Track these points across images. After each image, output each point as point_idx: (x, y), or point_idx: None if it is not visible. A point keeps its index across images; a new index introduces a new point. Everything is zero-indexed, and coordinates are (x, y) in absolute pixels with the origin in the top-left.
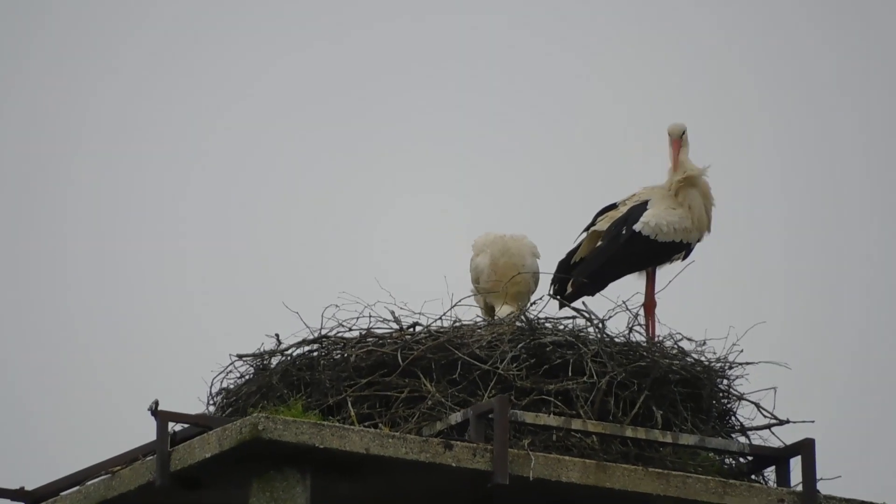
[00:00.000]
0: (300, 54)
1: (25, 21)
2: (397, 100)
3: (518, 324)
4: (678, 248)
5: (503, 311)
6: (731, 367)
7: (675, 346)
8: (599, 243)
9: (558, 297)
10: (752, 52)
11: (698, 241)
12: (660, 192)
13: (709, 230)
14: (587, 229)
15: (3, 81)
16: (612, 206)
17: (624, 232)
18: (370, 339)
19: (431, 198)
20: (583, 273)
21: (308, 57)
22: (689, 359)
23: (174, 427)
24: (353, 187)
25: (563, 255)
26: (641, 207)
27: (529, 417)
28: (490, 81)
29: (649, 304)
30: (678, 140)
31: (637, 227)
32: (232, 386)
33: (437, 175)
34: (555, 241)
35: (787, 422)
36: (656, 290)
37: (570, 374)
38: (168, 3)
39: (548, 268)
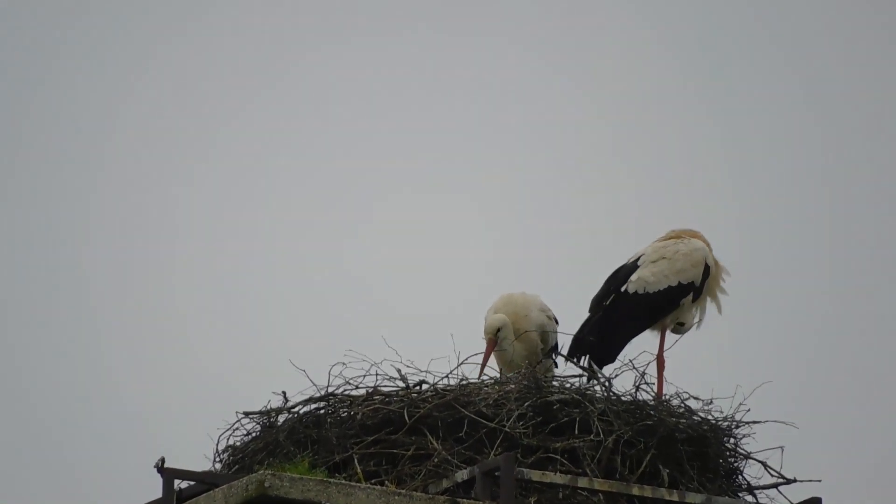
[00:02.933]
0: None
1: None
2: (411, 148)
3: (525, 382)
4: (682, 291)
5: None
6: (737, 426)
7: (682, 405)
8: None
9: (573, 359)
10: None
11: (704, 280)
12: (657, 245)
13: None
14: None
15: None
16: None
17: (612, 295)
18: (377, 397)
19: (442, 255)
20: (580, 346)
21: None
22: (695, 417)
23: (180, 484)
24: (360, 246)
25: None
26: (632, 266)
27: (536, 475)
28: (507, 142)
29: (660, 362)
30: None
31: (623, 286)
32: (238, 443)
33: (447, 235)
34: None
35: (795, 481)
36: (665, 348)
37: (576, 431)
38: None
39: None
